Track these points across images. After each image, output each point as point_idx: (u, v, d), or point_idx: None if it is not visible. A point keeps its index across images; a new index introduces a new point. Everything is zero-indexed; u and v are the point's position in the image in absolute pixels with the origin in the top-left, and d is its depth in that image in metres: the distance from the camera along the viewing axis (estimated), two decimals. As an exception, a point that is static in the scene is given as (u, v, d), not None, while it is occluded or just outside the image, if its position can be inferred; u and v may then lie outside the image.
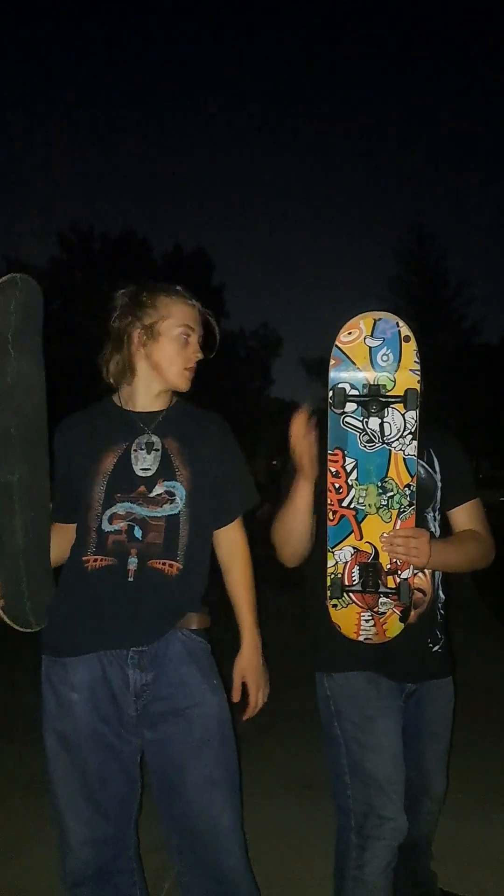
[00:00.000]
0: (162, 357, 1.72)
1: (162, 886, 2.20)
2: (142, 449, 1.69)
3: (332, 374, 1.60)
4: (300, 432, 1.68)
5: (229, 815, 1.63)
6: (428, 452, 1.84)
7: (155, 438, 1.71)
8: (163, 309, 1.71)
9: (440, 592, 1.83)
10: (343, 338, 1.60)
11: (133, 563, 1.61)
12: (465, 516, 1.87)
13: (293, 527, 1.78)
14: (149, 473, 1.67)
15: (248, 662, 1.74)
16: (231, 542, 1.79)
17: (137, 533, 1.63)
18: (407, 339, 1.58)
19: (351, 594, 1.66)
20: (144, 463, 1.68)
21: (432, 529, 1.81)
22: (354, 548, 1.64)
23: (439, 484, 1.84)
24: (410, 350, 1.58)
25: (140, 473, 1.67)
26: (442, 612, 1.84)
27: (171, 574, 1.63)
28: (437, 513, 1.84)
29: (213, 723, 1.64)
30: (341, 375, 1.60)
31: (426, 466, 1.82)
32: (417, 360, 1.58)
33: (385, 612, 1.66)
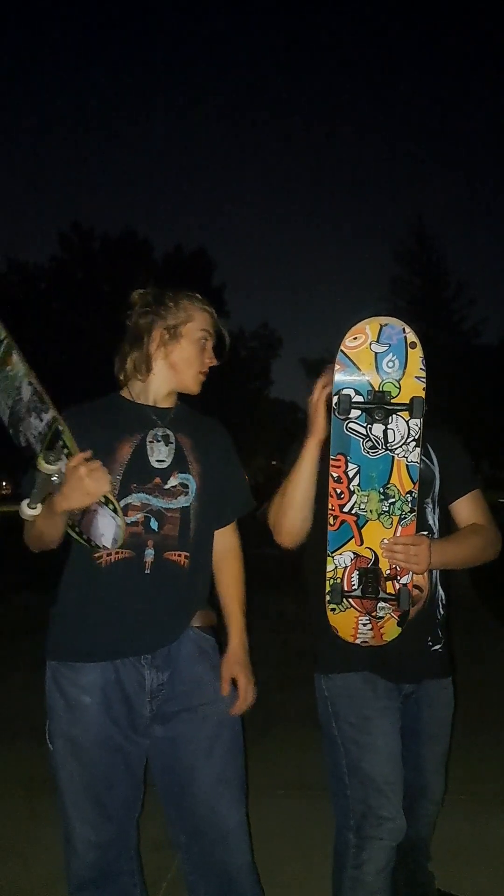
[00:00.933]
0: (181, 358, 1.74)
1: (160, 886, 2.20)
2: (158, 441, 1.70)
3: (337, 379, 1.59)
4: (318, 389, 1.69)
5: (237, 813, 1.65)
6: (425, 445, 1.84)
7: (169, 432, 1.72)
8: (184, 312, 1.74)
9: (440, 590, 1.83)
10: (348, 343, 1.58)
11: (150, 554, 1.62)
12: (466, 508, 1.87)
13: (294, 494, 1.75)
14: (164, 465, 1.68)
15: (237, 660, 1.74)
16: (225, 543, 1.81)
17: (154, 525, 1.63)
18: (413, 345, 1.57)
19: (350, 599, 1.66)
20: (160, 454, 1.69)
21: (431, 522, 1.82)
22: (354, 553, 1.64)
23: (437, 475, 1.84)
24: (416, 357, 1.57)
25: (155, 465, 1.67)
26: (442, 611, 1.84)
27: (185, 566, 1.65)
28: (435, 504, 1.84)
29: (224, 720, 1.66)
30: (346, 381, 1.59)
31: (424, 458, 1.82)
32: (423, 368, 1.57)
33: (383, 617, 1.67)
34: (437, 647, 1.82)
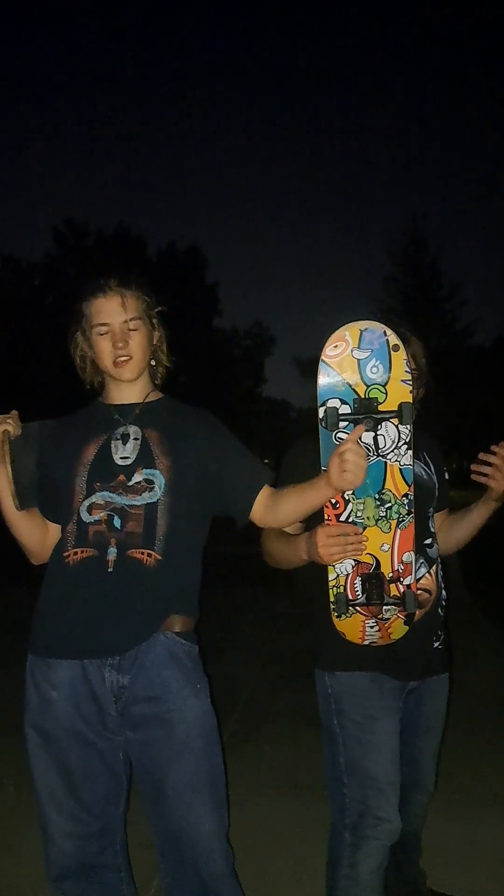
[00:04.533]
0: (96, 356, 1.75)
1: (150, 883, 2.20)
2: (117, 439, 1.70)
3: (321, 391, 1.56)
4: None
5: (210, 819, 1.62)
6: (423, 454, 1.86)
7: (133, 429, 1.72)
8: (87, 312, 1.73)
9: (442, 590, 1.85)
10: (329, 352, 1.56)
11: (112, 553, 1.61)
12: (438, 523, 1.94)
13: (292, 563, 1.76)
14: (128, 462, 1.67)
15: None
16: (265, 504, 1.74)
17: (117, 522, 1.63)
18: (396, 347, 1.54)
19: (355, 608, 1.65)
20: (123, 452, 1.69)
21: (433, 530, 1.84)
22: (355, 560, 1.63)
23: (437, 484, 1.86)
24: (400, 359, 1.55)
25: (119, 462, 1.67)
26: (443, 609, 1.86)
27: (150, 564, 1.62)
28: (434, 511, 1.88)
29: (194, 727, 1.62)
30: (331, 392, 1.56)
31: (424, 467, 1.83)
32: (408, 370, 1.55)
33: (389, 618, 1.66)
34: (437, 644, 1.83)
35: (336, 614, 1.67)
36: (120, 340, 1.70)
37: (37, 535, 1.76)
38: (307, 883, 2.21)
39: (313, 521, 1.70)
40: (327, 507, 1.62)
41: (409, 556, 1.63)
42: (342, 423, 1.56)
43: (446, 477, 1.96)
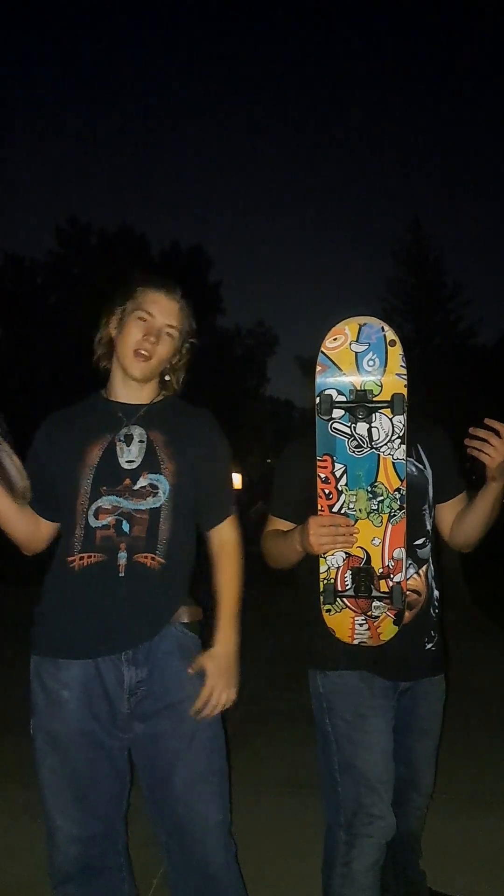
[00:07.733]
0: (120, 336, 1.72)
1: (151, 882, 2.20)
2: (121, 441, 1.68)
3: (319, 381, 1.60)
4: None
5: (218, 811, 1.63)
6: (416, 450, 1.84)
7: (138, 430, 1.70)
8: (138, 296, 1.73)
9: (435, 591, 1.84)
10: (328, 344, 1.60)
11: (123, 557, 1.61)
12: (453, 511, 1.88)
13: (290, 559, 1.78)
14: (133, 466, 1.66)
15: (217, 658, 1.67)
16: (223, 541, 1.77)
17: (125, 527, 1.62)
18: (392, 343, 1.58)
19: (344, 599, 1.66)
20: (129, 455, 1.67)
21: (428, 527, 1.83)
22: (346, 552, 1.64)
23: (430, 480, 1.85)
24: (396, 354, 1.58)
25: (125, 466, 1.66)
26: (437, 610, 1.85)
27: (154, 568, 1.62)
28: (431, 509, 1.86)
29: (203, 718, 1.64)
30: (328, 381, 1.60)
31: (417, 465, 1.83)
32: (404, 364, 1.58)
33: (378, 616, 1.67)
34: (430, 646, 1.82)
35: (325, 607, 1.67)
36: (153, 335, 1.70)
37: (28, 529, 1.74)
38: (305, 881, 2.21)
39: (308, 506, 1.71)
40: (320, 497, 1.63)
41: (399, 553, 1.64)
42: (336, 412, 1.59)
43: (452, 461, 1.91)
